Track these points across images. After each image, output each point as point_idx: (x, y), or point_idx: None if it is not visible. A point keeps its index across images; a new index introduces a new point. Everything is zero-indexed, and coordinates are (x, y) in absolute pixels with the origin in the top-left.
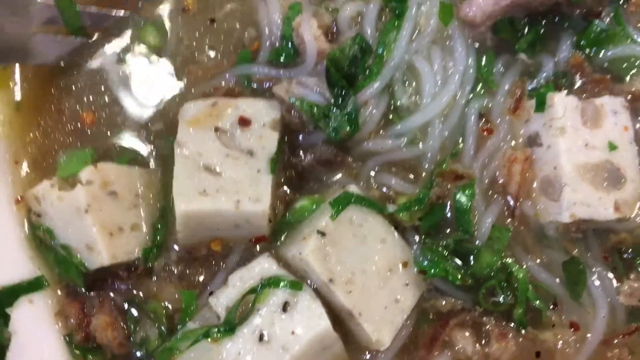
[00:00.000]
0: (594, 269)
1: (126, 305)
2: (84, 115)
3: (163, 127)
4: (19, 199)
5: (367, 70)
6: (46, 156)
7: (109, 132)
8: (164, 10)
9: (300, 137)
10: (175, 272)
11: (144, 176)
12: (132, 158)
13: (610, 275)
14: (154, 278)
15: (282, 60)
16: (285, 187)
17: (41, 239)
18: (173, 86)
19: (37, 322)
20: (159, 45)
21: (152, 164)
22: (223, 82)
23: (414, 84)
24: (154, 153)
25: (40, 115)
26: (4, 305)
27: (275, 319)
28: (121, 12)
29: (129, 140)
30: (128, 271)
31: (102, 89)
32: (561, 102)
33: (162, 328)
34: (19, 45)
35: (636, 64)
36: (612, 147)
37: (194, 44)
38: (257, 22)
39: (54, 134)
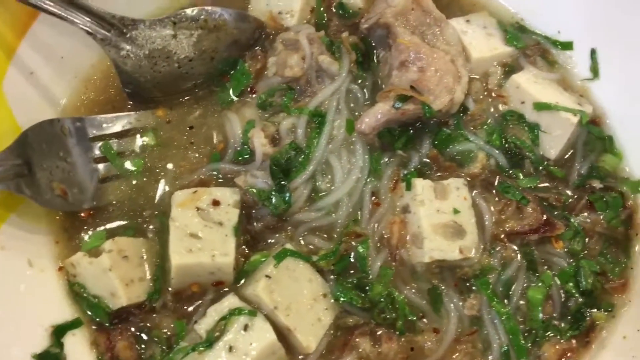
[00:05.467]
0: (448, 293)
1: (138, 333)
2: (84, 214)
3: (155, 211)
4: (60, 267)
5: (298, 165)
6: (73, 238)
7: (113, 220)
8: (158, 119)
9: (254, 211)
10: (170, 308)
11: (145, 244)
12: (135, 232)
13: (458, 296)
14: (156, 313)
15: (240, 159)
16: (244, 246)
17: (76, 292)
18: (164, 179)
19: (79, 348)
20: (158, 146)
21: (149, 235)
22: (195, 176)
23: (329, 175)
24: (150, 228)
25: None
26: (59, 337)
27: (239, 336)
28: (133, 115)
29: (132, 221)
30: (139, 309)
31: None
32: (420, 184)
33: (163, 347)
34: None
35: (471, 155)
36: (456, 211)
37: (181, 145)
38: (225, 133)
39: (77, 223)
